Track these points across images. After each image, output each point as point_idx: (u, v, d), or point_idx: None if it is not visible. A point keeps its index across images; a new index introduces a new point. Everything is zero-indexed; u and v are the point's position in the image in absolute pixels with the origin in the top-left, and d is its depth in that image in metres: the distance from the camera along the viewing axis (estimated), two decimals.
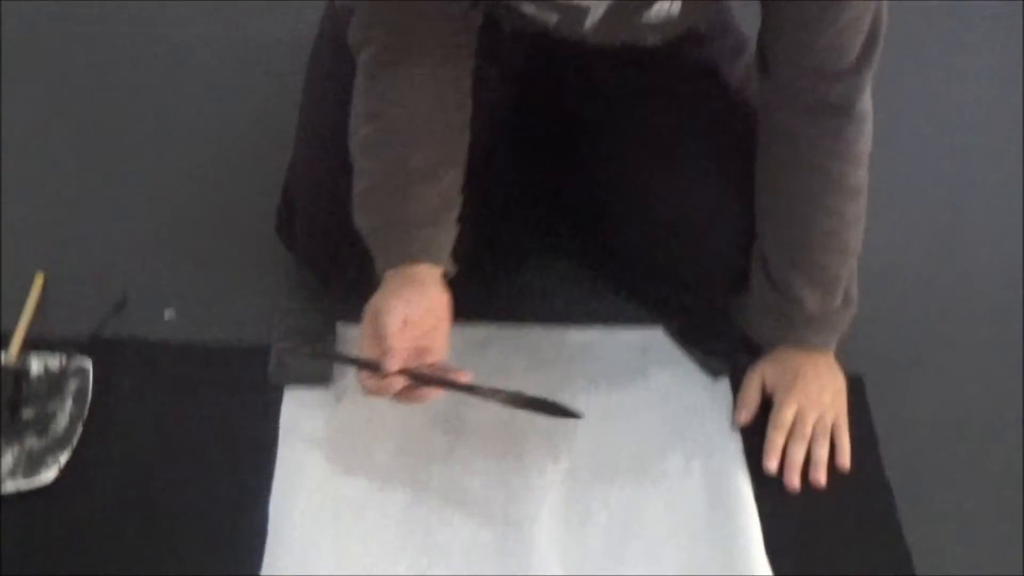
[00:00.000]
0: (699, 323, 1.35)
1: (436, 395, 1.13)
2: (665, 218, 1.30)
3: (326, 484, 1.19)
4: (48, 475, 1.16)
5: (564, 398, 1.24)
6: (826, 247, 1.21)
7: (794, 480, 1.21)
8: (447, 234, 1.17)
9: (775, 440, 1.23)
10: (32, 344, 1.28)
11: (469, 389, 1.14)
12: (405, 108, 1.14)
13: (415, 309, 1.11)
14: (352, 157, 1.17)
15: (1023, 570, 1.16)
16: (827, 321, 1.25)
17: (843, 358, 1.29)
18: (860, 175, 1.19)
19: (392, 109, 1.14)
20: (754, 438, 1.25)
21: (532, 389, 1.18)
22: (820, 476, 1.21)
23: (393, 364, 1.08)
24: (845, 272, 1.23)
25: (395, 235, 1.15)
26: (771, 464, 1.22)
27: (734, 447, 1.25)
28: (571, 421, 1.18)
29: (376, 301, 1.12)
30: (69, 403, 1.23)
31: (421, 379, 1.11)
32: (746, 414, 1.26)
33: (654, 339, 1.36)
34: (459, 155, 1.18)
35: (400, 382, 1.09)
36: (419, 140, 1.14)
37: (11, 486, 1.15)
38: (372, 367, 1.10)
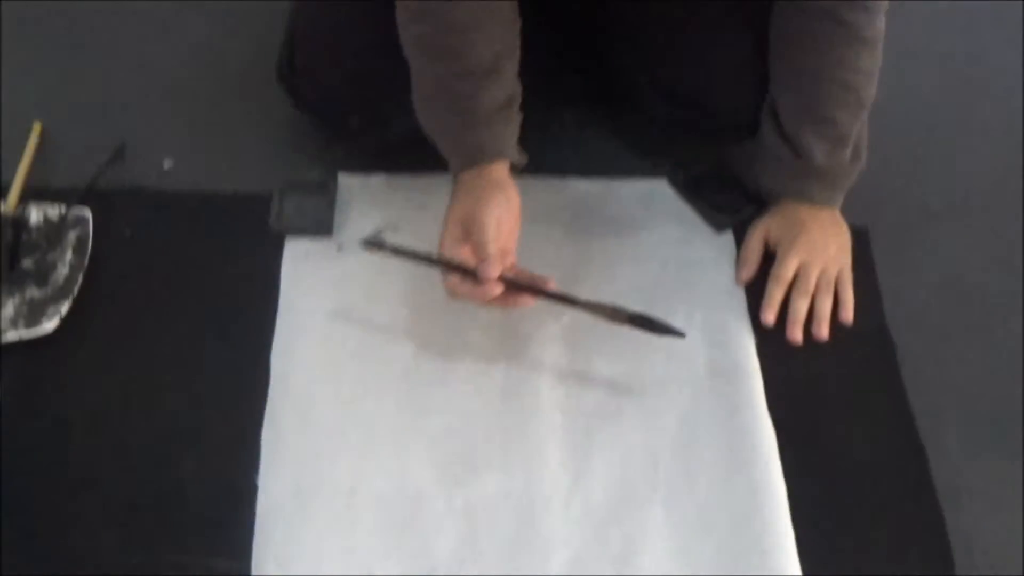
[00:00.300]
0: (705, 176, 1.32)
1: (531, 303, 1.11)
2: (676, 66, 1.27)
3: (327, 334, 1.18)
4: (49, 325, 1.15)
5: (566, 249, 1.23)
6: (839, 99, 1.17)
7: (796, 334, 1.19)
8: (515, 126, 1.16)
9: (774, 293, 1.21)
10: (31, 194, 1.26)
11: (566, 300, 1.12)
12: (458, 2, 1.09)
13: (503, 212, 1.11)
14: (406, 54, 1.13)
15: (1022, 423, 1.15)
16: (835, 175, 1.22)
17: (848, 211, 1.26)
18: (877, 26, 1.14)
19: (445, 4, 1.09)
20: (758, 293, 1.22)
21: (534, 239, 1.17)
22: (823, 330, 1.20)
23: (494, 271, 1.07)
24: (856, 126, 1.20)
25: (468, 137, 1.14)
26: (768, 317, 1.20)
27: (737, 301, 1.22)
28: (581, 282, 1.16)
29: (467, 206, 1.11)
30: (69, 253, 1.21)
31: (516, 287, 1.10)
32: (748, 271, 1.24)
33: (658, 191, 1.33)
34: (516, 43, 1.15)
35: (498, 288, 1.08)
36: (477, 34, 1.10)
37: (12, 336, 1.14)
38: (466, 272, 1.09)
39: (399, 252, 1.13)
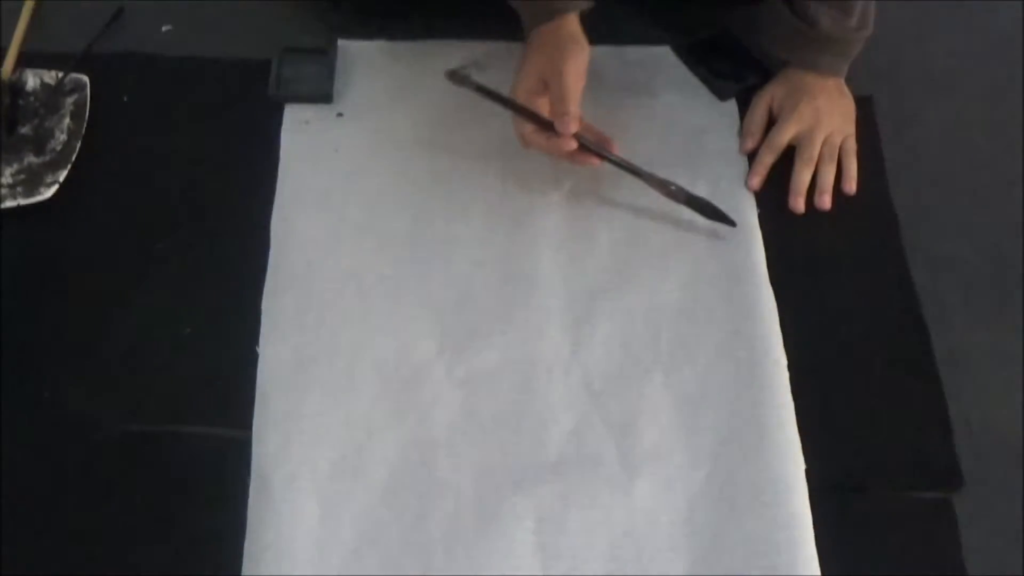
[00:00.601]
0: (709, 44, 1.29)
1: (598, 163, 1.13)
2: None
3: (328, 202, 1.16)
4: (47, 192, 1.13)
5: None
6: None
7: (799, 204, 1.17)
8: None
9: (764, 159, 1.19)
10: (27, 60, 1.23)
11: (631, 168, 1.13)
12: None
13: (581, 67, 1.11)
14: None
15: (1022, 311, 1.13)
16: (840, 43, 1.19)
17: (853, 79, 1.23)
18: None
19: None
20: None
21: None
22: (825, 201, 1.17)
23: (573, 127, 1.08)
24: None
25: None
26: (753, 181, 1.18)
27: (739, 170, 1.20)
28: None
29: (546, 59, 1.12)
30: (67, 119, 1.19)
31: (590, 148, 1.12)
32: (751, 140, 1.21)
33: (662, 58, 1.29)
34: None
35: (573, 143, 1.09)
36: None
37: (11, 203, 1.12)
38: (542, 124, 1.10)
39: (482, 90, 1.13)
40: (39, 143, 1.17)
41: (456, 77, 1.14)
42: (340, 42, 1.27)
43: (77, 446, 1.00)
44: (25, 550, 0.95)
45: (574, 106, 1.08)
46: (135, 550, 0.95)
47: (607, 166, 1.14)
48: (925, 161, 1.23)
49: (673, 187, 1.13)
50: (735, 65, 1.27)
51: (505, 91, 1.14)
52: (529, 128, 1.11)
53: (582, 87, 1.11)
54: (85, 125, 1.18)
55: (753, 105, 1.23)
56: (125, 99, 1.23)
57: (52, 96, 1.20)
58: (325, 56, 1.26)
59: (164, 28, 1.30)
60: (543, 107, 1.11)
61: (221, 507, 0.97)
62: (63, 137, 1.17)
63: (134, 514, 0.97)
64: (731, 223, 1.13)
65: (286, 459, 0.99)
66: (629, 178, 1.15)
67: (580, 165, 1.13)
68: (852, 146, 1.20)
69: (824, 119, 1.20)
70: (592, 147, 1.12)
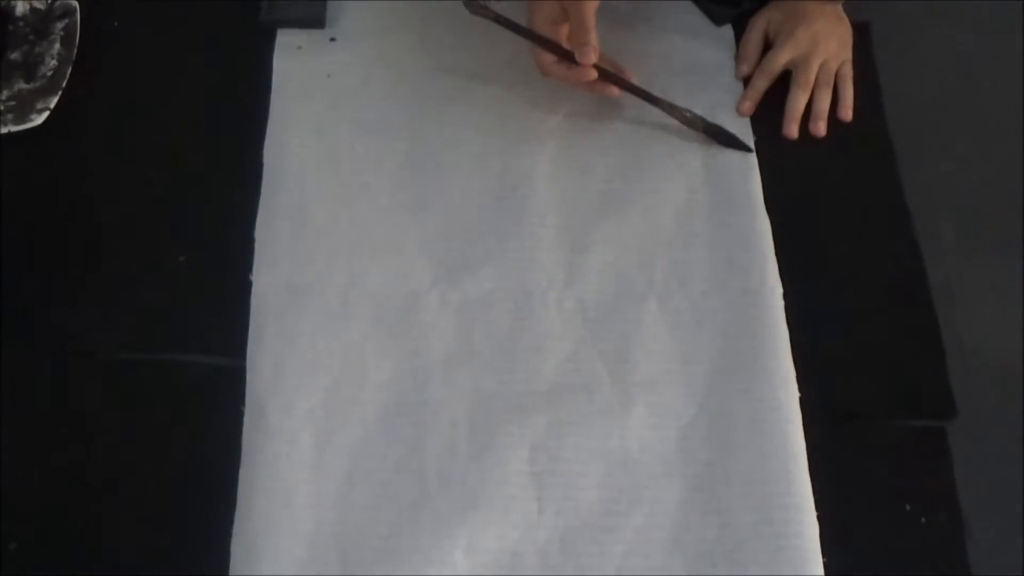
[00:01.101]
0: None
1: (618, 93, 1.10)
2: None
3: (321, 129, 1.13)
4: (38, 119, 1.10)
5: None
6: None
7: (792, 130, 1.14)
8: None
9: (757, 84, 1.16)
10: None
11: (650, 97, 1.12)
12: None
13: None
14: None
15: (1021, 224, 1.11)
16: None
17: (850, 4, 1.19)
18: None
19: None
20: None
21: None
22: (820, 127, 1.14)
23: (594, 57, 1.06)
24: None
25: None
26: (744, 106, 1.15)
27: (736, 98, 1.16)
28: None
29: None
30: (57, 45, 1.15)
31: (608, 77, 1.09)
32: (747, 65, 1.17)
33: None
34: None
35: (593, 73, 1.07)
36: None
37: (1, 130, 1.09)
38: (562, 53, 1.08)
39: (501, 20, 1.10)
40: (29, 69, 1.13)
41: (474, 6, 1.11)
42: None
43: (74, 374, 0.98)
44: (20, 480, 0.93)
45: (594, 35, 1.06)
46: (130, 478, 0.94)
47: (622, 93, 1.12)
48: (922, 88, 1.20)
49: (689, 114, 1.11)
50: None
51: (521, 19, 1.10)
52: (549, 58, 1.08)
53: (596, 16, 1.08)
54: (76, 51, 1.15)
55: (749, 29, 1.20)
56: (116, 24, 1.19)
57: (42, 21, 1.17)
58: None
59: None
60: (562, 35, 1.09)
61: (215, 436, 0.95)
62: (53, 63, 1.14)
63: (129, 442, 0.95)
64: (749, 149, 1.11)
65: (280, 388, 0.97)
66: (626, 106, 1.13)
67: (598, 94, 1.11)
68: (848, 72, 1.17)
69: (821, 44, 1.16)
70: (615, 77, 1.10)
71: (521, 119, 1.14)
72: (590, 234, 1.07)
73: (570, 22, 1.07)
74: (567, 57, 1.07)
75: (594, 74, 1.07)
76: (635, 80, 1.12)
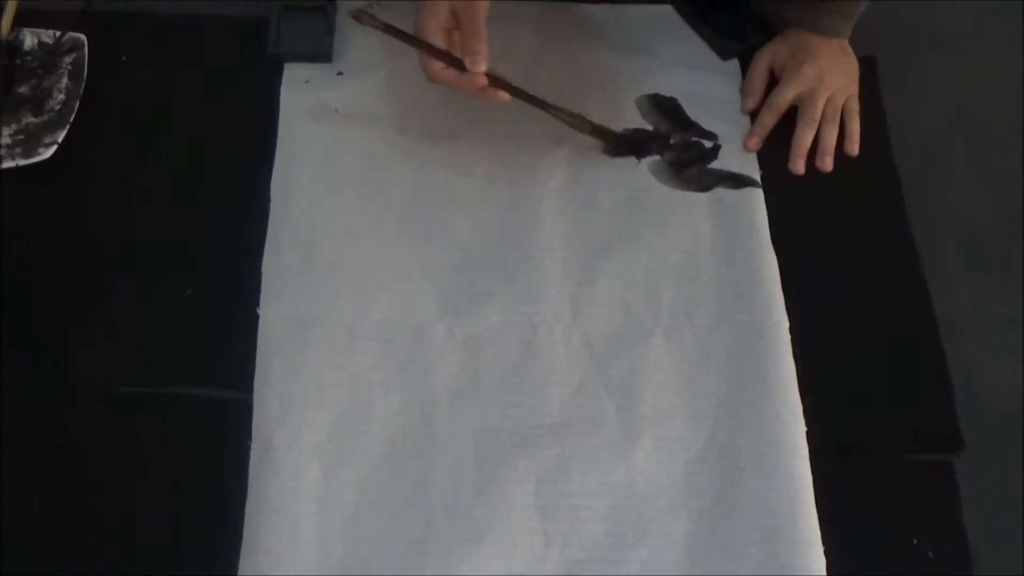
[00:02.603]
0: (711, 2, 1.27)
1: (507, 98, 1.08)
2: None
3: (327, 162, 1.15)
4: (46, 153, 1.11)
5: (571, 72, 1.21)
6: None
7: (799, 166, 1.16)
8: None
9: (764, 120, 1.18)
10: (25, 19, 1.20)
11: (536, 101, 1.12)
12: None
13: (488, 4, 1.05)
14: None
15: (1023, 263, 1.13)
16: (844, 4, 1.17)
17: (856, 39, 1.21)
18: None
19: None
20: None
21: (539, 63, 1.18)
22: (827, 163, 1.16)
23: (484, 64, 1.04)
24: None
25: None
26: (750, 142, 1.17)
27: (742, 132, 1.18)
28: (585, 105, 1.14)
29: None
30: (65, 79, 1.17)
31: (500, 84, 1.07)
32: (753, 99, 1.20)
33: (664, 16, 1.27)
34: None
35: (483, 80, 1.05)
36: None
37: (9, 163, 1.11)
38: (451, 60, 1.05)
39: (388, 28, 1.08)
40: (37, 103, 1.15)
41: (362, 16, 1.09)
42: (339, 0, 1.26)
43: (80, 408, 1.00)
44: (24, 514, 0.94)
45: (484, 43, 1.04)
46: (136, 513, 0.95)
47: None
48: (928, 123, 1.22)
49: (576, 117, 1.13)
50: (738, 24, 1.25)
51: (408, 26, 1.09)
52: (438, 65, 1.06)
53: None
54: (83, 85, 1.16)
55: (754, 63, 1.22)
56: (123, 58, 1.22)
57: (50, 55, 1.18)
58: (324, 14, 1.24)
59: None
60: (452, 41, 1.07)
61: (222, 469, 0.96)
62: (61, 97, 1.16)
63: (135, 476, 0.96)
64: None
65: (287, 421, 0.98)
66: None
67: (488, 100, 1.08)
68: (855, 107, 1.19)
69: (827, 79, 1.18)
70: (501, 82, 1.08)
71: (527, 152, 1.16)
72: (597, 268, 1.09)
73: (461, 27, 1.06)
74: (456, 64, 1.06)
75: (484, 80, 1.05)
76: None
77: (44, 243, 1.09)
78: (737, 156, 1.16)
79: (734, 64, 1.24)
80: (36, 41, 1.19)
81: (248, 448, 0.97)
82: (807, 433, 0.99)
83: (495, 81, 1.07)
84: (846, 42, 1.21)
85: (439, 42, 1.06)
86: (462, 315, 1.05)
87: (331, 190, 1.13)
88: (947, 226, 1.14)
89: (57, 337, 1.03)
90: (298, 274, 1.07)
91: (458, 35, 1.06)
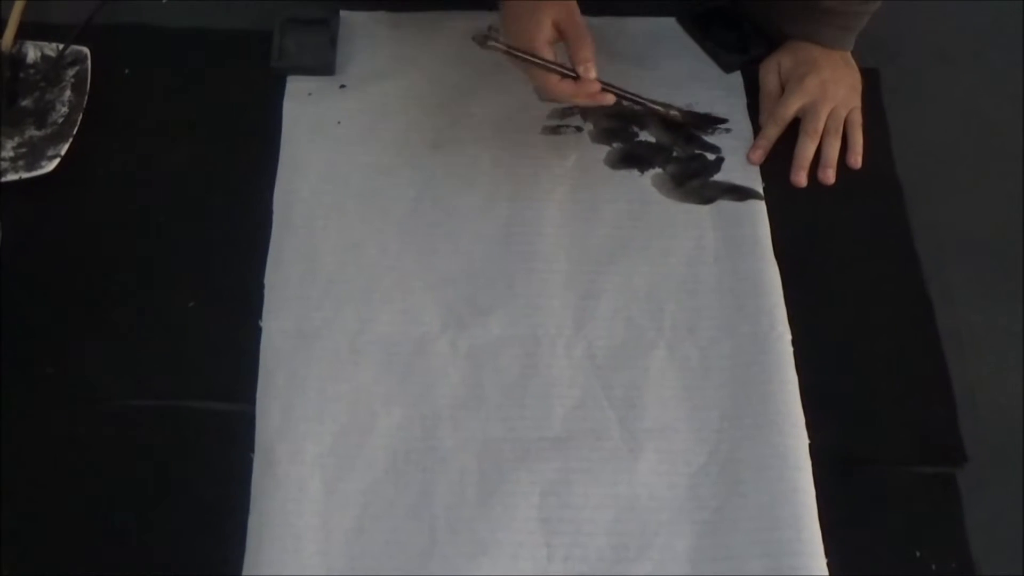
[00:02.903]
0: (714, 15, 1.28)
1: (613, 100, 1.10)
2: None
3: (330, 175, 1.15)
4: (49, 166, 1.12)
5: None
6: None
7: (801, 178, 1.17)
8: None
9: (768, 132, 1.19)
10: (28, 32, 1.21)
11: (639, 101, 1.16)
12: None
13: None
14: None
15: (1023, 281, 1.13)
16: (847, 17, 1.18)
17: (858, 51, 1.22)
18: None
19: None
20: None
21: None
22: (829, 175, 1.17)
23: (595, 70, 1.06)
24: None
25: None
26: (754, 155, 1.18)
27: (745, 144, 1.19)
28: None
29: (559, 8, 1.08)
30: (68, 92, 1.18)
31: (610, 88, 1.10)
32: (771, 125, 1.19)
33: (667, 30, 1.28)
34: None
35: (597, 86, 1.07)
36: None
37: (12, 176, 1.11)
38: (565, 73, 1.07)
39: (512, 52, 1.08)
40: (40, 116, 1.16)
41: (482, 39, 1.09)
42: (342, 13, 1.27)
43: (80, 420, 1.00)
44: (27, 525, 0.94)
45: (593, 49, 1.07)
46: (138, 525, 0.95)
47: None
48: (931, 135, 1.22)
49: (667, 107, 1.17)
50: (740, 37, 1.26)
51: None
52: (554, 78, 1.08)
53: None
54: (86, 98, 1.17)
55: (764, 77, 1.23)
56: (126, 71, 1.22)
57: (53, 68, 1.19)
58: (327, 27, 1.25)
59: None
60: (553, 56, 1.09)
61: (225, 482, 0.96)
62: (64, 110, 1.16)
63: (138, 489, 0.97)
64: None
65: (290, 434, 0.98)
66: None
67: (597, 104, 1.10)
68: (858, 119, 1.19)
69: (830, 91, 1.19)
70: (615, 87, 1.11)
71: (530, 165, 1.17)
72: (599, 280, 1.09)
73: (568, 37, 1.07)
74: (569, 75, 1.07)
75: (598, 86, 1.08)
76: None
77: (46, 256, 1.09)
78: (740, 168, 1.17)
79: (737, 77, 1.25)
80: (39, 54, 1.20)
81: (251, 461, 0.97)
82: (810, 445, 0.99)
83: (609, 86, 1.10)
84: (849, 54, 1.22)
85: (549, 56, 1.07)
86: (465, 328, 1.05)
87: (333, 203, 1.13)
88: (950, 238, 1.14)
89: (59, 350, 1.03)
90: (301, 287, 1.07)
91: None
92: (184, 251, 1.10)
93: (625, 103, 1.15)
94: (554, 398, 1.02)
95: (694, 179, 1.16)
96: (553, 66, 1.08)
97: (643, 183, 1.16)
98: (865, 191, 1.17)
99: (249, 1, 1.28)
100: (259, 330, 1.04)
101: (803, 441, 0.99)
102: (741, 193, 1.15)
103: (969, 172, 1.20)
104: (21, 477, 0.97)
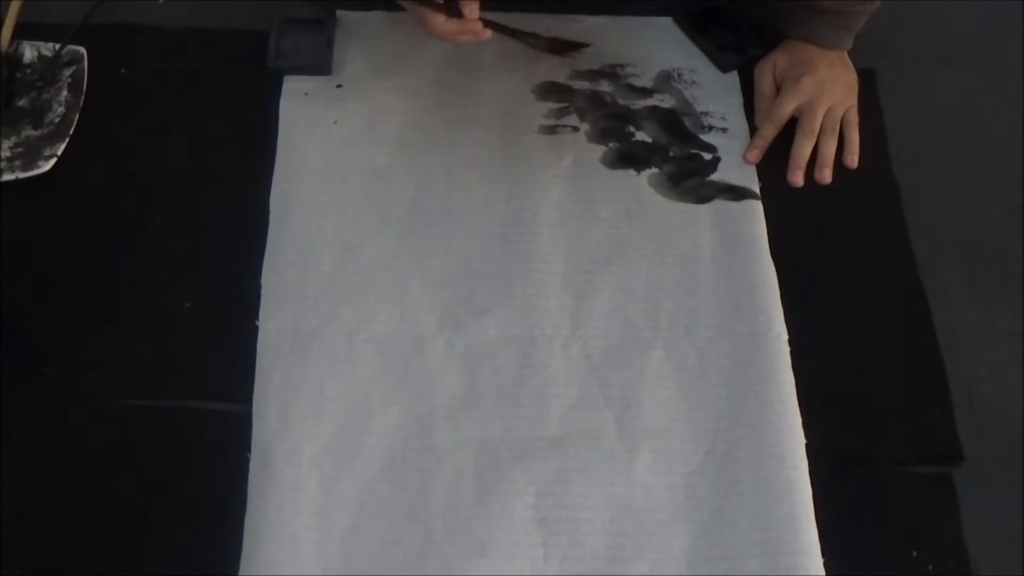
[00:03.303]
0: (711, 15, 1.28)
1: (490, 34, 1.12)
2: None
3: (327, 175, 1.15)
4: (45, 166, 1.12)
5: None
6: None
7: (797, 178, 1.17)
8: None
9: (764, 132, 1.19)
10: (24, 32, 1.21)
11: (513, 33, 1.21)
12: None
13: None
14: None
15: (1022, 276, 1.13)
16: (844, 17, 1.18)
17: (855, 51, 1.22)
18: None
19: None
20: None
21: (538, 74, 1.21)
22: (825, 174, 1.17)
23: (477, 12, 1.08)
24: None
25: None
26: (750, 155, 1.18)
27: (741, 144, 1.19)
28: None
29: None
30: (64, 92, 1.18)
31: (492, 25, 1.12)
32: (768, 125, 1.19)
33: (664, 29, 1.28)
34: None
35: (479, 25, 1.09)
36: None
37: (9, 176, 1.11)
38: (450, 11, 1.09)
39: None
40: (37, 116, 1.16)
41: None
42: (339, 13, 1.27)
43: (77, 420, 1.00)
44: (24, 525, 0.95)
45: None
46: (135, 526, 0.95)
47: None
48: (927, 135, 1.23)
49: (539, 38, 1.22)
50: (738, 37, 1.26)
51: None
52: (440, 18, 1.09)
53: None
54: (83, 97, 1.17)
55: (759, 77, 1.23)
56: (123, 71, 1.22)
57: (49, 68, 1.19)
58: (324, 27, 1.25)
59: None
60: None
61: (221, 482, 0.97)
62: (61, 110, 1.17)
63: (134, 489, 0.97)
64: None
65: (286, 434, 0.99)
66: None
67: (478, 40, 1.11)
68: (854, 118, 1.20)
69: (826, 91, 1.19)
70: (496, 23, 1.13)
71: (527, 165, 1.17)
72: (596, 280, 1.09)
73: None
74: (455, 13, 1.08)
75: (479, 25, 1.09)
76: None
77: (43, 256, 1.09)
78: (736, 168, 1.17)
79: (734, 77, 1.25)
80: (36, 54, 1.20)
81: (247, 461, 0.97)
82: (806, 445, 0.99)
83: (492, 24, 1.11)
84: (845, 54, 1.22)
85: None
86: (461, 328, 1.06)
87: (330, 202, 1.13)
88: (946, 238, 1.14)
89: (56, 350, 1.04)
90: (297, 286, 1.07)
91: None
92: (180, 251, 1.10)
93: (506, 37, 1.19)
94: (551, 398, 1.02)
95: (691, 179, 1.16)
96: (435, 5, 1.08)
97: (640, 183, 1.16)
98: (862, 191, 1.17)
99: (246, 1, 1.28)
100: (256, 330, 1.04)
101: (800, 441, 0.99)
102: (738, 193, 1.15)
103: (966, 172, 1.20)
104: (19, 476, 0.97)
